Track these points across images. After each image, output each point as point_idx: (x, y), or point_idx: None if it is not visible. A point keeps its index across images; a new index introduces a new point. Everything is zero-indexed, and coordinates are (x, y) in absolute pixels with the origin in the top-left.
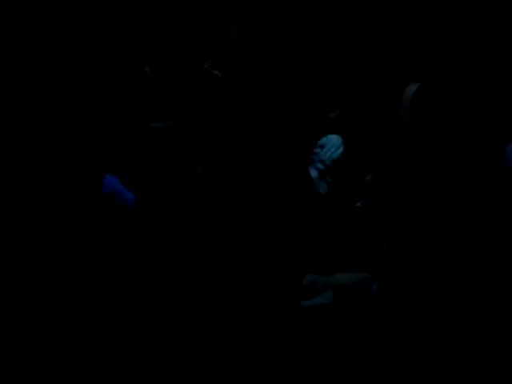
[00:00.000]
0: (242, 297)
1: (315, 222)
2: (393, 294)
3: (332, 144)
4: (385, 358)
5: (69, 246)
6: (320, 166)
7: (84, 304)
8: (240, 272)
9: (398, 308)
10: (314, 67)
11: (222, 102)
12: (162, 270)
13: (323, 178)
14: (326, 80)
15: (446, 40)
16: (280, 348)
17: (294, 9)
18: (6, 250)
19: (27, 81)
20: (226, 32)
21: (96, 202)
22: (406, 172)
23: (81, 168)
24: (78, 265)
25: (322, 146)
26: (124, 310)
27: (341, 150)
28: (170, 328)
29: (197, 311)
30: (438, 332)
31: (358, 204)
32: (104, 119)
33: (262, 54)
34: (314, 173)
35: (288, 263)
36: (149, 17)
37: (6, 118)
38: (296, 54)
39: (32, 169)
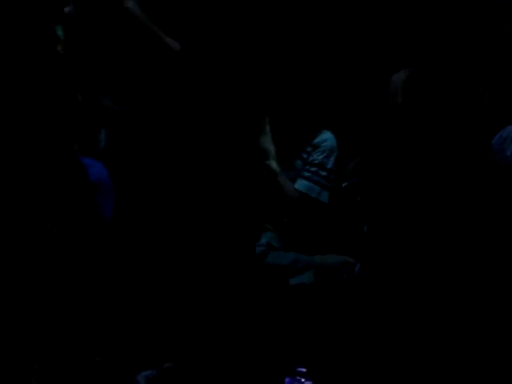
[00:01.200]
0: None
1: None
2: (375, 275)
3: (326, 147)
4: (367, 341)
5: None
6: (310, 169)
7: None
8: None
9: (380, 289)
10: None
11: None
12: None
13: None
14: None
15: (437, 28)
16: (260, 327)
17: None
18: None
19: None
20: None
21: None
22: (392, 158)
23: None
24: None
25: (315, 146)
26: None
27: (334, 155)
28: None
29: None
30: (420, 315)
31: (344, 185)
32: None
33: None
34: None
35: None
36: None
37: None
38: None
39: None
